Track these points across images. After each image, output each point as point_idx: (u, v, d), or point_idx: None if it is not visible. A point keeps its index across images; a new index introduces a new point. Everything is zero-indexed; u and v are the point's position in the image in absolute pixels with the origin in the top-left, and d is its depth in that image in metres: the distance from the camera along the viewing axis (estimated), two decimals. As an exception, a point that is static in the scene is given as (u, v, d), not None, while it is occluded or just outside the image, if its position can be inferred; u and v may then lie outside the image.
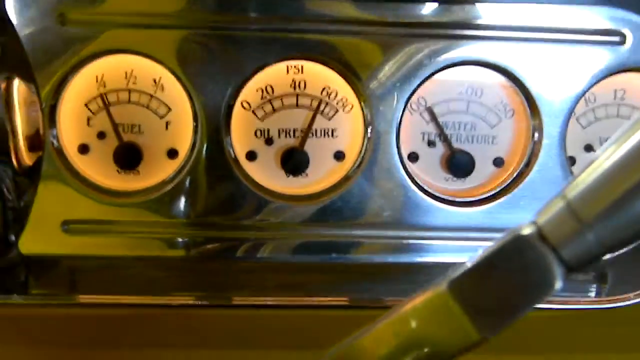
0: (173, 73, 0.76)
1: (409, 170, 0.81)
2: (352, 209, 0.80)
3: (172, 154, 0.79)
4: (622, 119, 0.82)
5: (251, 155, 0.81)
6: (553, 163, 0.79)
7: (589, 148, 0.82)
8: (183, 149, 0.79)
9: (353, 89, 0.78)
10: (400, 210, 0.79)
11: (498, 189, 0.82)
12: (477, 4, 0.75)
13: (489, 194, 0.82)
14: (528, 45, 0.77)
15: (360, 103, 0.79)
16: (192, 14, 0.74)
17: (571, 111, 0.78)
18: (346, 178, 0.81)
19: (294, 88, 0.79)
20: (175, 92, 0.78)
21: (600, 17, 0.77)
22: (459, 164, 0.80)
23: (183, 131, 0.79)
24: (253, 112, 0.80)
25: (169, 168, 0.79)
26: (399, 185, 0.79)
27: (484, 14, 0.76)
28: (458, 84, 0.80)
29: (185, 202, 0.78)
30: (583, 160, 0.83)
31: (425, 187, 0.81)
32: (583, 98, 0.81)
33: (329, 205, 0.79)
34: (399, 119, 0.78)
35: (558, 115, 0.79)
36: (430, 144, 0.81)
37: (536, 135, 0.79)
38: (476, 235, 0.80)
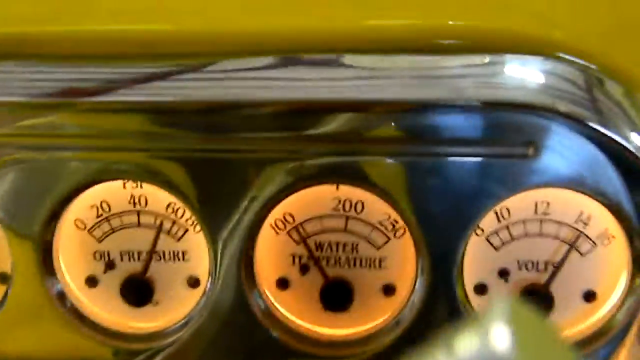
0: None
1: (274, 301, 0.67)
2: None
3: None
4: (546, 238, 0.63)
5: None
6: (441, 300, 0.62)
7: (503, 273, 0.65)
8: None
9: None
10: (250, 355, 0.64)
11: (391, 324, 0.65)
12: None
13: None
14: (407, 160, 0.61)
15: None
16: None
17: (462, 239, 0.60)
18: (198, 306, 0.66)
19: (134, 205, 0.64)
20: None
21: (504, 125, 0.58)
22: (332, 295, 0.64)
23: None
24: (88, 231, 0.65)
25: None
26: (252, 321, 0.64)
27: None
28: (332, 198, 0.63)
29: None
30: (496, 287, 0.65)
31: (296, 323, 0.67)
32: (494, 213, 0.62)
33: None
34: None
35: (446, 238, 0.62)
36: (304, 268, 0.65)
37: (421, 260, 0.62)
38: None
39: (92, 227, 0.67)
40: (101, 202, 0.66)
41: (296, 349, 0.66)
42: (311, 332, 0.67)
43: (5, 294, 0.67)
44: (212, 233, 0.63)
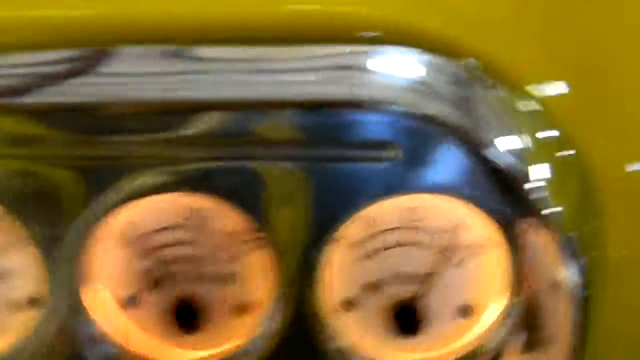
0: None
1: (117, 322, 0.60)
2: None
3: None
4: (416, 248, 0.57)
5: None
6: (301, 319, 0.55)
7: (371, 287, 0.58)
8: None
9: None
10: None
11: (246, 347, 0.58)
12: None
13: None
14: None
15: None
16: None
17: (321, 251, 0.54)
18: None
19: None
20: None
21: (364, 125, 0.52)
22: (180, 314, 0.56)
23: None
24: None
25: None
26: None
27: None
28: (180, 206, 0.56)
29: None
30: (363, 302, 0.58)
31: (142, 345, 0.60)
32: (359, 221, 0.55)
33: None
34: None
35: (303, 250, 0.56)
36: (151, 285, 0.58)
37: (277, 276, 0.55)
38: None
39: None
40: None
41: None
42: (158, 355, 0.59)
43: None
44: (42, 248, 0.55)
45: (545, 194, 0.53)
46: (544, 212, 0.54)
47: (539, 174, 0.54)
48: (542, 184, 0.53)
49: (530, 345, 0.57)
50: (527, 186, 0.53)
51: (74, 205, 0.55)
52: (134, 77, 0.53)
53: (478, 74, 0.56)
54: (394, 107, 0.52)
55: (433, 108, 0.53)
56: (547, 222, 0.54)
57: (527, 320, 0.57)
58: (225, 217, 0.57)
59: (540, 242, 0.54)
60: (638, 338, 0.62)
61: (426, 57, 0.56)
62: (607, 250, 0.58)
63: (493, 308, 0.60)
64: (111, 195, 0.55)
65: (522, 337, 0.58)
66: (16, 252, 0.58)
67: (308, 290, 0.56)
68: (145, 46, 0.54)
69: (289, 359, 0.57)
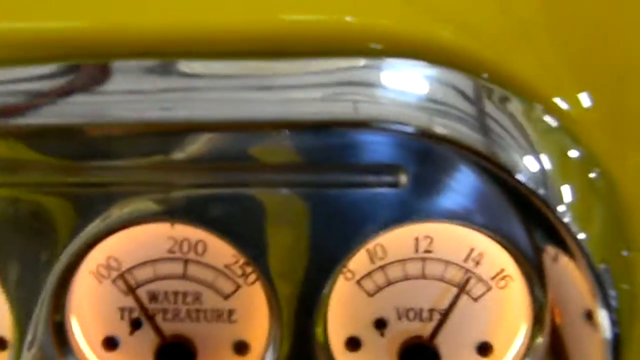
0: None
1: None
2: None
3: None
4: (430, 281, 0.51)
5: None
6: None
7: (380, 324, 0.52)
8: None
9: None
10: None
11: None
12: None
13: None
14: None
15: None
16: None
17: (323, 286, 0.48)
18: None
19: None
20: None
21: (369, 148, 0.46)
22: (171, 357, 0.50)
23: None
24: None
25: None
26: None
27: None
28: (166, 238, 0.50)
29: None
30: (371, 341, 0.52)
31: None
32: (366, 253, 0.49)
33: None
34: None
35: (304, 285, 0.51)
36: (135, 325, 0.52)
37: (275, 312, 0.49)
38: None
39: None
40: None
41: None
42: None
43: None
44: (10, 288, 0.49)
45: (570, 219, 0.47)
46: (569, 239, 0.48)
47: (562, 197, 0.48)
48: (566, 208, 0.47)
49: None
50: (550, 211, 0.47)
51: (53, 236, 0.50)
52: (123, 95, 0.48)
53: (494, 89, 0.51)
54: (402, 127, 0.47)
55: (446, 127, 0.47)
56: (573, 250, 0.48)
57: (555, 359, 0.51)
58: (219, 249, 0.52)
59: (567, 272, 0.48)
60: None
61: (437, 70, 0.50)
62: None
63: (514, 346, 0.54)
64: (91, 226, 0.49)
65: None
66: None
67: (311, 328, 0.50)
68: (136, 60, 0.48)
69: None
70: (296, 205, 0.48)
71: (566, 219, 0.47)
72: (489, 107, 0.50)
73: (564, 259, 0.49)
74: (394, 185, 0.47)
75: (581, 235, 0.47)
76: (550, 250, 0.49)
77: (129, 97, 0.48)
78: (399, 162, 0.47)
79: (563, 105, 0.51)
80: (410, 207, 0.48)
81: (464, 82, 0.50)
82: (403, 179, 0.47)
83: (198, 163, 0.48)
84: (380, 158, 0.47)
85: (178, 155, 0.47)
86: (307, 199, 0.48)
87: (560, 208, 0.47)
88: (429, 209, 0.48)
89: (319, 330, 0.51)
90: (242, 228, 0.49)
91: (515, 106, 0.50)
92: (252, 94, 0.47)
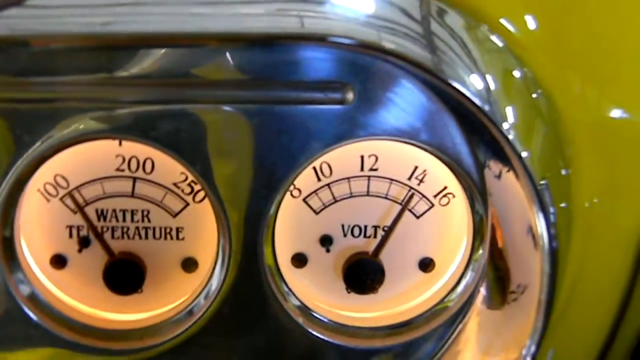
0: None
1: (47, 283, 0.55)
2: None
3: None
4: (375, 198, 0.52)
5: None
6: (248, 276, 0.50)
7: (325, 240, 0.53)
8: None
9: None
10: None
11: (189, 308, 0.53)
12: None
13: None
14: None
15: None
16: None
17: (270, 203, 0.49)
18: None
19: None
20: None
21: (315, 64, 0.47)
22: (119, 275, 0.51)
23: None
24: None
25: None
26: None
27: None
28: (114, 155, 0.50)
29: None
30: (317, 257, 0.54)
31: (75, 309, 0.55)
32: (312, 170, 0.50)
33: None
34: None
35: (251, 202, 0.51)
36: (84, 242, 0.52)
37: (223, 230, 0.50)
38: None
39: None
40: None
41: (72, 339, 0.53)
42: (93, 319, 0.54)
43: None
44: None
45: (514, 136, 0.48)
46: (513, 156, 0.49)
47: (507, 116, 0.49)
48: (510, 126, 0.49)
49: (499, 298, 0.53)
50: (495, 128, 0.48)
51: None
52: (66, 9, 0.47)
53: (441, 8, 0.51)
54: (347, 41, 0.47)
55: (394, 43, 0.47)
56: (516, 167, 0.49)
57: (496, 272, 0.53)
58: (167, 167, 0.52)
59: (510, 189, 0.50)
60: (603, 289, 0.59)
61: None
62: (576, 199, 0.54)
63: (455, 261, 0.55)
64: (37, 144, 0.49)
65: (490, 291, 0.54)
66: None
67: (259, 246, 0.51)
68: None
69: (236, 318, 0.52)
70: (242, 122, 0.48)
71: (510, 136, 0.48)
72: (435, 26, 0.50)
73: (508, 176, 0.50)
74: (340, 102, 0.48)
75: (524, 154, 0.49)
76: (494, 167, 0.50)
77: (74, 11, 0.47)
78: (345, 79, 0.47)
79: (509, 26, 0.52)
80: (355, 124, 0.48)
81: (410, 1, 0.50)
82: (349, 96, 0.47)
83: (144, 79, 0.47)
84: (327, 75, 0.48)
85: (124, 71, 0.47)
86: (254, 115, 0.48)
87: (505, 125, 0.48)
88: (374, 125, 0.49)
89: (267, 249, 0.51)
90: (189, 145, 0.49)
91: (461, 26, 0.51)
92: (199, 9, 0.46)
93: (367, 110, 0.48)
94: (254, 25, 0.47)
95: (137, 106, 0.48)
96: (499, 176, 0.50)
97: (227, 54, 0.46)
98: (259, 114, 0.48)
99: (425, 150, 0.51)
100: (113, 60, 0.47)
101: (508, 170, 0.50)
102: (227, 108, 0.48)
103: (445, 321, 0.54)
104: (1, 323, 0.52)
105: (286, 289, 0.54)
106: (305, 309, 0.54)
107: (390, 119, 0.49)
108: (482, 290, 0.54)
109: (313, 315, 0.55)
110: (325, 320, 0.55)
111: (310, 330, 0.53)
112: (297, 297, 0.54)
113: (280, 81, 0.47)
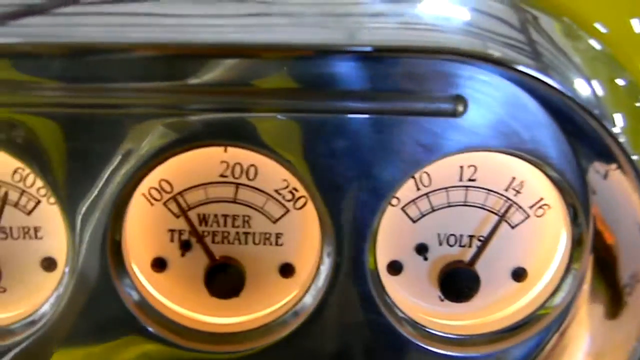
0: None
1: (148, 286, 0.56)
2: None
3: None
4: (472, 208, 0.53)
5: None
6: (349, 282, 0.51)
7: (422, 249, 0.54)
8: None
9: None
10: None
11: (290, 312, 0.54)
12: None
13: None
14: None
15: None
16: None
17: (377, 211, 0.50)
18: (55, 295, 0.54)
19: None
20: None
21: (426, 75, 0.48)
22: (220, 278, 0.52)
23: None
24: None
25: None
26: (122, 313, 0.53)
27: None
28: (219, 162, 0.51)
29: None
30: (412, 265, 0.54)
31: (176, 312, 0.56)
32: (412, 180, 0.51)
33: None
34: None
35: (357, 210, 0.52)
36: (185, 246, 0.53)
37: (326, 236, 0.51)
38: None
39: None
40: None
41: (178, 343, 0.54)
42: (194, 322, 0.55)
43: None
44: (68, 205, 0.50)
45: (625, 140, 0.49)
46: (623, 159, 0.49)
47: (615, 121, 0.50)
48: (620, 130, 0.49)
49: (607, 301, 0.54)
50: (605, 132, 0.49)
51: (111, 158, 0.50)
52: (144, 18, 0.48)
53: (537, 12, 0.52)
54: (458, 53, 0.48)
55: (498, 51, 0.48)
56: (626, 169, 0.50)
57: (602, 275, 0.53)
58: (270, 174, 0.53)
59: (618, 189, 0.50)
60: None
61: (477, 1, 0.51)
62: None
63: (548, 272, 0.56)
64: (147, 150, 0.50)
65: (594, 295, 0.54)
66: (39, 209, 0.53)
67: (364, 253, 0.52)
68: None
69: (334, 322, 0.53)
70: (355, 131, 0.49)
71: (621, 139, 0.48)
72: (535, 34, 0.51)
73: (616, 175, 0.50)
74: (452, 114, 0.48)
75: (635, 157, 0.49)
76: (600, 168, 0.50)
77: (150, 20, 0.48)
78: (456, 91, 0.48)
79: (608, 31, 0.52)
80: (464, 135, 0.49)
81: (505, 9, 0.51)
82: (460, 107, 0.48)
83: (274, 90, 0.48)
84: (438, 87, 0.48)
85: (261, 80, 0.48)
86: (366, 126, 0.49)
87: (615, 130, 0.49)
88: (482, 137, 0.50)
89: (367, 255, 0.52)
90: (296, 152, 0.50)
91: (559, 31, 0.51)
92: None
93: (476, 121, 0.49)
94: (363, 37, 0.47)
95: (245, 113, 0.49)
96: (606, 177, 0.50)
97: (341, 66, 0.47)
98: (371, 124, 0.49)
99: (529, 162, 0.51)
100: (216, 67, 0.48)
101: (619, 169, 0.50)
102: (341, 117, 0.49)
103: (545, 327, 0.55)
104: (110, 329, 0.52)
105: (386, 296, 0.54)
106: (409, 319, 0.55)
107: (498, 130, 0.49)
108: (586, 295, 0.54)
109: (417, 325, 0.55)
110: (430, 330, 0.56)
111: (414, 340, 0.54)
112: (397, 306, 0.55)
113: (393, 92, 0.48)
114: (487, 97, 0.49)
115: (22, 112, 0.48)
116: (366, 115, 0.49)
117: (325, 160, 0.50)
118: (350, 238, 0.51)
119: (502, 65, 0.48)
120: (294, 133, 0.50)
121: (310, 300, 0.54)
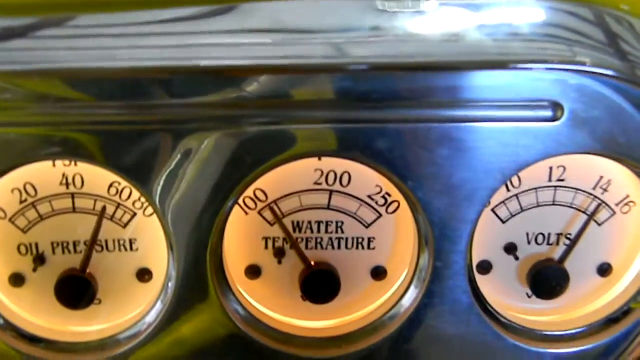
0: None
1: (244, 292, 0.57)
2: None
3: None
4: (560, 207, 0.54)
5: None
6: (445, 284, 0.52)
7: (510, 248, 0.55)
8: None
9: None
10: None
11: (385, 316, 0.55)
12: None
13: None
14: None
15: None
16: None
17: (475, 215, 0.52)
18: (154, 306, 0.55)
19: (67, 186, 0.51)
20: None
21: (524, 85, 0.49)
22: (315, 284, 0.53)
23: None
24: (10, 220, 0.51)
25: None
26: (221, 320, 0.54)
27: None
28: (314, 170, 0.52)
29: None
30: (501, 264, 0.55)
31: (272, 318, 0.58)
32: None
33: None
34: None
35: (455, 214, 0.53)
36: (279, 253, 0.54)
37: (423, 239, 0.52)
38: None
39: (14, 215, 0.53)
40: (24, 185, 0.52)
41: (275, 348, 0.55)
42: (288, 327, 0.56)
43: None
44: (166, 216, 0.50)
45: None
46: None
47: None
48: None
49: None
50: None
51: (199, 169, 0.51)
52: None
53: (620, 14, 0.52)
54: (550, 62, 0.48)
55: (589, 58, 0.49)
56: None
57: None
58: (362, 180, 0.53)
59: None
60: None
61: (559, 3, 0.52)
62: None
63: (633, 266, 0.57)
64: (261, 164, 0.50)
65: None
66: (135, 221, 0.54)
67: (458, 254, 0.53)
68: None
69: (433, 324, 0.54)
70: (456, 138, 0.50)
71: None
72: (620, 35, 0.51)
73: None
74: (552, 119, 0.49)
75: None
76: None
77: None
78: (553, 97, 0.49)
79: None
80: (561, 140, 0.50)
81: (583, 10, 0.51)
82: (559, 113, 0.49)
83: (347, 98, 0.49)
84: (536, 94, 0.49)
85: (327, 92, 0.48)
86: (465, 133, 0.49)
87: None
88: (578, 141, 0.50)
89: (464, 257, 0.53)
90: (389, 159, 0.50)
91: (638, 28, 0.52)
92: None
93: (572, 126, 0.50)
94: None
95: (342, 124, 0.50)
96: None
97: (449, 78, 0.48)
98: (471, 132, 0.50)
99: (623, 163, 0.52)
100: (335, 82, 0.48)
101: None
102: (443, 126, 0.49)
103: (635, 321, 0.56)
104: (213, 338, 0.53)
105: (481, 296, 0.55)
106: (502, 317, 0.56)
107: (594, 133, 0.50)
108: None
109: (510, 323, 0.57)
110: (521, 326, 0.57)
111: (515, 342, 0.55)
112: (490, 304, 0.56)
113: (492, 100, 0.49)
114: (580, 102, 0.49)
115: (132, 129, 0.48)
116: (468, 124, 0.49)
117: (425, 168, 0.50)
118: (446, 242, 0.52)
119: (593, 73, 0.48)
120: (401, 142, 0.50)
121: (408, 303, 0.55)
